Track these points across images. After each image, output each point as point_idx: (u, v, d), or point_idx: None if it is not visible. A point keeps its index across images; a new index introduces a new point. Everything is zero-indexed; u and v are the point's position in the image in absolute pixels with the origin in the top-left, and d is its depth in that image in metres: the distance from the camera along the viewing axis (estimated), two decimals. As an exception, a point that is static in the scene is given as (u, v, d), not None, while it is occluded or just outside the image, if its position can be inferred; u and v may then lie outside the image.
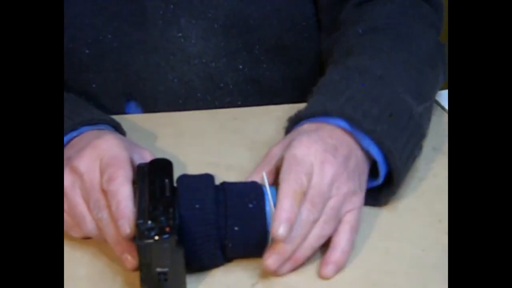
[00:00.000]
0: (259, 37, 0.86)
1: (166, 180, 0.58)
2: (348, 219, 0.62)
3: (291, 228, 0.57)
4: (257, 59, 0.87)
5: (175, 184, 0.59)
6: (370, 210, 0.67)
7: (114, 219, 0.57)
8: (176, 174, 0.61)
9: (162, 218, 0.54)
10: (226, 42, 0.85)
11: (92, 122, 0.68)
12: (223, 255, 0.60)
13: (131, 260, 0.58)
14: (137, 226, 0.54)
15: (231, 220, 0.58)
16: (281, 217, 0.57)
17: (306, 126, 0.66)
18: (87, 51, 0.83)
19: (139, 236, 0.54)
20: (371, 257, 0.62)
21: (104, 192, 0.59)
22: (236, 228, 0.58)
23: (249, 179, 0.64)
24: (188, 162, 0.74)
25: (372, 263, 0.61)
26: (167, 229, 0.54)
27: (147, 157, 0.65)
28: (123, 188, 0.58)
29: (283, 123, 0.70)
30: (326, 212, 0.60)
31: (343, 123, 0.65)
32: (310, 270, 0.61)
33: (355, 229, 0.62)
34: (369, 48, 0.75)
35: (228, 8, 0.84)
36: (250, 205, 0.59)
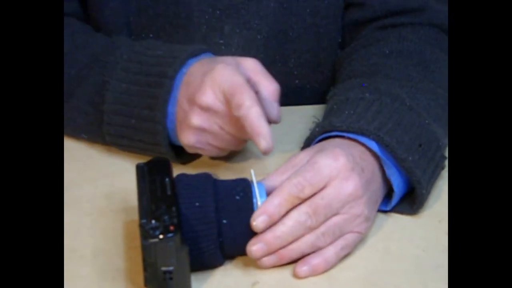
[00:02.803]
0: (295, 50, 0.86)
1: (167, 179, 0.58)
2: (347, 237, 0.61)
3: (269, 223, 0.58)
4: (290, 72, 0.87)
5: None
6: (370, 210, 0.67)
7: (251, 136, 0.62)
8: (176, 174, 0.61)
9: (166, 217, 0.54)
10: (265, 53, 0.84)
11: (195, 54, 0.70)
12: (221, 253, 0.60)
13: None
14: (141, 225, 0.54)
15: (220, 213, 0.59)
16: (263, 209, 0.58)
17: (339, 140, 0.65)
18: None
19: (143, 236, 0.54)
20: (371, 257, 0.62)
21: (237, 120, 0.63)
22: (224, 221, 0.58)
23: (269, 181, 0.62)
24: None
25: (372, 263, 0.61)
26: (172, 227, 0.54)
27: (253, 67, 0.68)
28: (253, 110, 0.62)
29: (283, 124, 0.70)
30: (327, 225, 0.60)
31: (375, 146, 0.64)
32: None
33: (348, 249, 0.62)
34: (397, 71, 0.75)
35: (272, 19, 0.83)
36: (237, 197, 0.59)
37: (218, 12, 0.82)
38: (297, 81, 0.88)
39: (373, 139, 0.64)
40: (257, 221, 0.58)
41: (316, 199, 0.59)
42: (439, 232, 0.65)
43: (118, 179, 0.72)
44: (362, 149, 0.64)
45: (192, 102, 0.65)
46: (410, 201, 0.67)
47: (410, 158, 0.64)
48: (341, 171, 0.60)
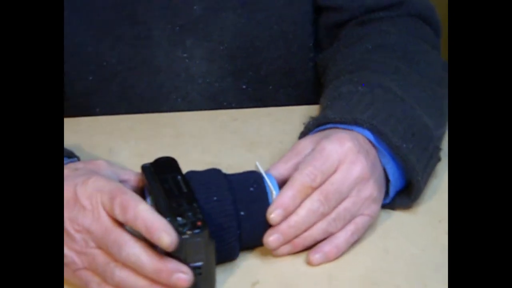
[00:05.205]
0: (266, 58, 0.86)
1: (179, 177, 0.58)
2: (357, 221, 0.62)
3: (285, 215, 0.59)
4: (263, 80, 0.87)
5: None
6: (370, 210, 0.68)
7: (149, 236, 0.53)
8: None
9: (189, 214, 0.54)
10: (231, 63, 0.85)
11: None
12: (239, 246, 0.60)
13: (184, 275, 0.53)
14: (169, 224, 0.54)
15: (237, 206, 0.59)
16: (278, 202, 0.59)
17: (337, 130, 0.65)
18: (90, 78, 0.83)
19: None
20: (371, 257, 0.62)
21: (123, 224, 0.55)
22: (242, 213, 0.59)
23: (275, 169, 0.63)
24: (188, 162, 0.73)
25: (372, 263, 0.61)
26: (199, 223, 0.54)
27: (131, 176, 0.62)
28: (140, 207, 0.53)
29: (282, 124, 0.70)
30: (338, 211, 0.61)
31: (370, 135, 0.65)
32: (311, 270, 0.61)
33: (359, 233, 0.62)
34: (384, 65, 0.75)
35: (234, 30, 0.84)
36: (251, 189, 0.60)
37: (177, 28, 0.83)
38: (270, 87, 0.88)
39: (367, 128, 0.64)
40: (274, 214, 0.59)
41: (327, 186, 0.60)
42: (438, 231, 0.65)
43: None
44: (361, 136, 0.64)
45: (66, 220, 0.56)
46: (407, 193, 0.67)
47: (404, 145, 0.64)
48: (348, 155, 0.61)
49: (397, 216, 0.67)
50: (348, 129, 0.65)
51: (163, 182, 0.57)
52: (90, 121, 0.84)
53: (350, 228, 0.62)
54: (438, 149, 0.70)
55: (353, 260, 0.62)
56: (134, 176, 0.62)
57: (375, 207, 0.63)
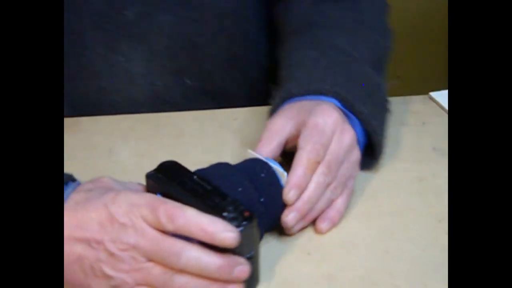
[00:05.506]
0: (209, 54, 0.87)
1: (194, 177, 0.57)
2: (349, 185, 0.67)
3: (300, 193, 0.61)
4: (207, 72, 0.88)
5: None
6: (370, 210, 0.68)
7: (209, 238, 0.52)
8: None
9: (230, 208, 0.54)
10: (172, 62, 0.86)
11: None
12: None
13: (243, 267, 0.53)
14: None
15: (258, 193, 0.60)
16: (292, 182, 0.61)
17: (307, 102, 0.68)
18: None
19: None
20: (371, 257, 0.62)
21: (172, 233, 0.53)
22: (262, 200, 0.60)
23: (258, 150, 0.65)
24: (188, 162, 0.73)
25: (372, 263, 0.61)
26: (246, 213, 0.54)
27: (139, 188, 0.61)
28: (188, 212, 0.52)
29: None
30: (337, 178, 0.64)
31: (337, 103, 0.68)
32: (311, 270, 0.61)
33: (350, 194, 0.67)
34: (332, 19, 0.79)
35: (171, 31, 0.84)
36: (262, 175, 0.62)
37: (110, 34, 0.83)
38: (215, 77, 0.89)
39: (332, 96, 0.68)
40: (291, 194, 0.61)
41: (327, 157, 0.63)
42: (438, 231, 0.65)
43: (118, 179, 0.72)
44: (331, 104, 0.68)
45: (98, 244, 0.53)
46: (369, 154, 0.72)
47: (366, 110, 0.69)
48: (337, 125, 0.65)
49: (397, 216, 0.67)
50: (317, 100, 0.68)
51: (182, 184, 0.57)
52: (90, 121, 0.84)
53: (346, 192, 0.66)
54: (387, 101, 0.74)
55: (353, 260, 0.62)
56: (141, 187, 0.61)
57: (358, 167, 0.68)
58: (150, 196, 0.54)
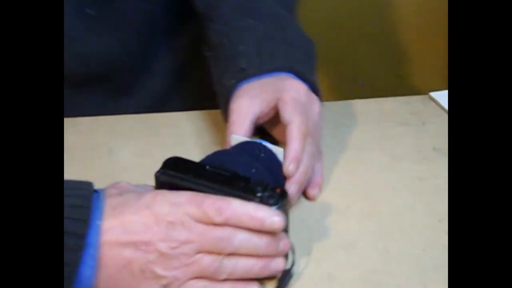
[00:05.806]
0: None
1: (207, 167, 0.58)
2: (320, 149, 0.71)
3: (298, 165, 0.64)
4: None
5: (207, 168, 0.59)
6: (370, 210, 0.68)
7: (259, 225, 0.54)
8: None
9: (259, 188, 0.55)
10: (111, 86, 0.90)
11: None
12: None
13: (286, 240, 0.56)
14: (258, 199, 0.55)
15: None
16: (291, 156, 0.64)
17: (269, 80, 0.70)
18: None
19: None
20: (371, 257, 0.62)
21: (222, 226, 0.54)
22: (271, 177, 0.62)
23: (234, 133, 0.66)
24: (188, 162, 0.74)
25: (371, 263, 0.61)
26: (278, 190, 0.56)
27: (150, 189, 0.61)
28: (233, 203, 0.54)
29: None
30: (315, 144, 0.69)
31: (292, 75, 0.71)
32: (311, 270, 0.61)
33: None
34: None
35: (96, 57, 0.87)
36: (263, 155, 0.63)
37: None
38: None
39: (288, 71, 0.71)
40: (290, 168, 0.64)
41: (310, 127, 0.67)
42: (439, 231, 0.65)
43: (118, 179, 0.72)
44: (289, 76, 0.71)
45: (146, 245, 0.53)
46: None
47: (312, 77, 0.73)
48: (307, 96, 0.69)
49: (397, 216, 0.67)
50: (275, 76, 0.71)
51: (199, 177, 0.57)
52: (90, 121, 0.84)
53: (319, 156, 0.71)
54: (312, 44, 0.78)
55: (353, 260, 0.62)
56: (151, 188, 0.60)
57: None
58: (187, 194, 0.55)
